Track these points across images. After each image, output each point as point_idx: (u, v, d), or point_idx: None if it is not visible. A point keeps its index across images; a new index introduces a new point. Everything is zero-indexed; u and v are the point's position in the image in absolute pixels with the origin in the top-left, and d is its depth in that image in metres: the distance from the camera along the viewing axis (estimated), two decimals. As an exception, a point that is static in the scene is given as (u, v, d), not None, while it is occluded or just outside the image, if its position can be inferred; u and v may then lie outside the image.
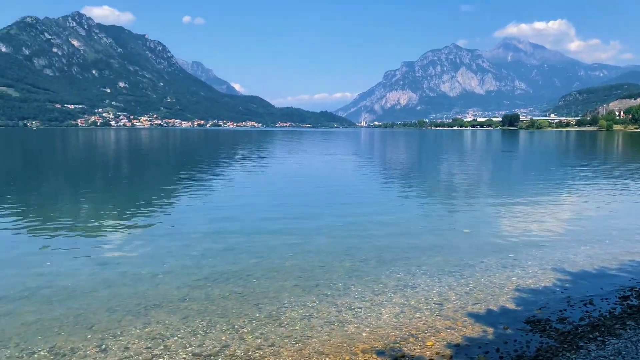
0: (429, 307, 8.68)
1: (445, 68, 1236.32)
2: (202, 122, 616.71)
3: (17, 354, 6.89)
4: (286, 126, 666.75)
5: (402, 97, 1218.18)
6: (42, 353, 6.91)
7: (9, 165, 43.10)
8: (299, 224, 15.86)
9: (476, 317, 8.20)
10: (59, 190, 25.55)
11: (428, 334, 7.57)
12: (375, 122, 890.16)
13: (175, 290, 9.47)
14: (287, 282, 9.93)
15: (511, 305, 8.73)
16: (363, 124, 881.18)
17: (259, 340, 7.39)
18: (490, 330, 7.65)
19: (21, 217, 16.81)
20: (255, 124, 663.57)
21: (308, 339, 7.45)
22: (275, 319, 8.18)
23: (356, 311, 8.47)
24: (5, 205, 19.42)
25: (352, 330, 7.73)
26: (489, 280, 10.10)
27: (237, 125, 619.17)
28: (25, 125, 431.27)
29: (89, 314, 8.30)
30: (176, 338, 7.42)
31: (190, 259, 11.58)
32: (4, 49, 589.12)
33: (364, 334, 7.57)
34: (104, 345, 7.16)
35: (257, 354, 6.96)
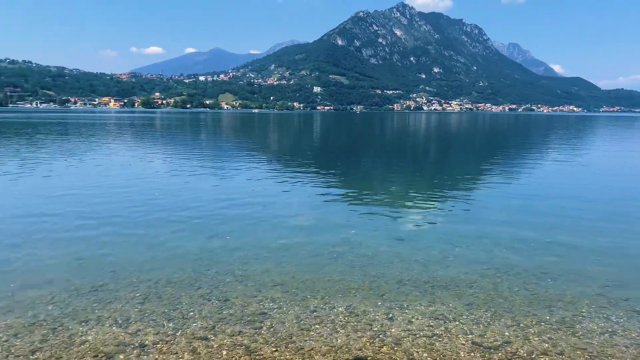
0: None
1: None
2: (513, 106, 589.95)
3: (322, 305, 7.97)
4: (613, 111, 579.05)
5: None
6: (340, 309, 7.82)
7: (338, 141, 50.29)
8: (613, 223, 13.62)
9: None
10: (372, 166, 28.46)
11: None
12: None
13: (463, 275, 9.40)
14: (588, 289, 8.68)
15: None
16: None
17: (546, 345, 6.69)
18: None
19: (337, 187, 19.44)
20: (575, 109, 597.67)
21: (607, 357, 6.39)
22: (569, 326, 7.27)
23: (683, 342, 6.81)
24: (330, 177, 22.75)
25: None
26: None
27: (552, 110, 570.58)
28: (352, 109, 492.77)
29: (382, 283, 8.99)
30: (458, 323, 7.37)
31: (482, 247, 11.29)
32: (340, 42, 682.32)
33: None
34: (390, 314, 7.65)
35: (542, 359, 6.35)
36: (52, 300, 7.95)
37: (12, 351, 6.39)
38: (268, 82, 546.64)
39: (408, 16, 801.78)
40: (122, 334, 6.91)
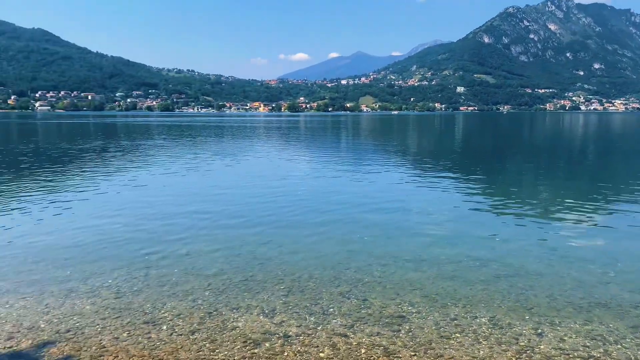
0: None
1: None
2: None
3: (463, 314, 7.68)
4: None
5: None
6: (483, 320, 7.45)
7: (481, 143, 48.06)
8: None
9: None
10: (520, 170, 26.67)
11: None
12: None
13: (626, 294, 8.37)
14: None
15: None
16: None
17: None
18: None
19: (481, 192, 18.56)
20: None
21: None
22: None
23: None
24: (474, 182, 21.84)
25: None
26: None
27: None
28: (498, 109, 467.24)
29: (530, 295, 8.37)
30: (620, 346, 6.58)
31: (652, 264, 9.96)
32: (486, 40, 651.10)
33: None
34: (540, 330, 7.09)
35: None
36: (209, 287, 8.75)
37: (176, 330, 7.15)
38: (409, 83, 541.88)
39: (564, 9, 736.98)
40: (268, 323, 7.35)
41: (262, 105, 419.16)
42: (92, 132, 67.65)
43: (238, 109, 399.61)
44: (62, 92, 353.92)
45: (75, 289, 8.60)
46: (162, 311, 7.73)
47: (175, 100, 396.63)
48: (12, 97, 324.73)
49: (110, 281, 8.98)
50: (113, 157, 31.92)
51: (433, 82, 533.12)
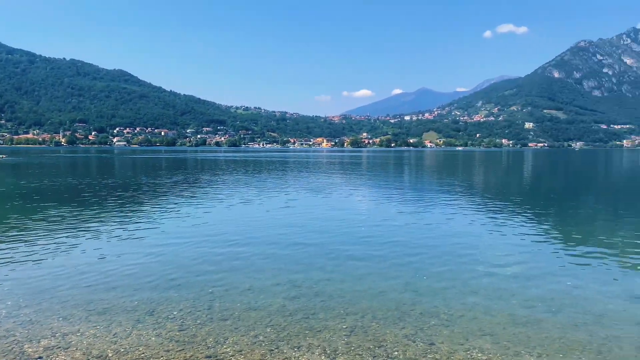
0: None
1: None
2: None
3: (538, 364, 7.13)
4: None
5: None
6: (561, 372, 6.89)
7: (552, 181, 45.90)
8: None
9: None
10: (595, 210, 25.05)
11: None
12: None
13: None
14: None
15: None
16: None
17: None
18: None
19: (552, 232, 17.56)
20: None
21: None
22: None
23: None
24: (544, 221, 20.77)
25: None
26: None
27: None
28: (570, 146, 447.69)
29: (614, 347, 7.65)
30: None
31: None
32: (557, 75, 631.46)
33: None
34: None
35: None
36: (270, 322, 8.67)
37: (237, 365, 7.09)
38: (474, 119, 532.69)
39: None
40: (330, 364, 7.13)
41: (325, 140, 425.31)
42: (164, 166, 70.96)
43: (302, 144, 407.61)
44: (138, 129, 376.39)
45: (142, 320, 8.79)
46: (224, 346, 7.71)
47: (242, 136, 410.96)
48: (93, 133, 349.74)
49: (175, 313, 9.12)
50: (182, 189, 33.14)
51: (500, 118, 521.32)
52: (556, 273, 12.01)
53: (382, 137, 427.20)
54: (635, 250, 14.75)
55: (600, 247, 15.16)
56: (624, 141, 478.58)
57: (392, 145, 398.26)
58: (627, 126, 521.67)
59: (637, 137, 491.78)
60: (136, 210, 22.92)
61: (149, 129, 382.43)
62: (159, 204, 25.10)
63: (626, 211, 24.86)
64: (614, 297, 10.14)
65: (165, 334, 8.18)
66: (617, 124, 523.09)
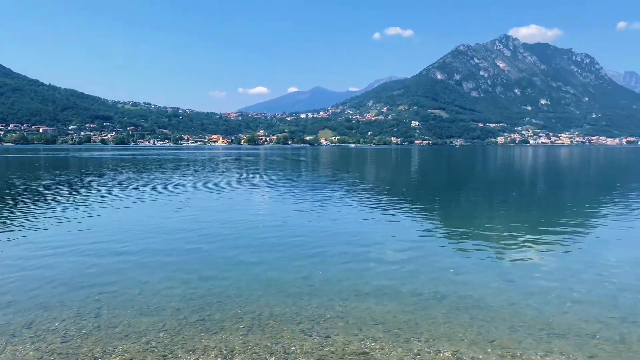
0: None
1: None
2: (632, 139, 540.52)
3: (426, 348, 7.60)
4: None
5: None
6: (446, 354, 7.39)
7: (436, 175, 49.14)
8: None
9: None
10: (474, 202, 27.26)
11: None
12: None
13: (583, 323, 8.53)
14: None
15: None
16: None
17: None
18: None
19: (437, 224, 18.82)
20: None
21: None
22: None
23: None
24: (429, 213, 22.16)
25: None
26: None
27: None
28: (452, 142, 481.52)
29: (491, 327, 8.40)
30: (581, 378, 6.65)
31: (605, 292, 10.22)
32: (439, 76, 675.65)
33: None
34: (502, 363, 7.10)
35: None
36: (163, 327, 8.35)
37: (128, 375, 6.73)
38: (366, 117, 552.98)
39: (511, 48, 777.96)
40: (227, 365, 7.03)
41: (220, 138, 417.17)
42: (43, 166, 65.25)
43: (196, 141, 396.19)
44: (12, 125, 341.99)
45: (17, 334, 8.04)
46: (113, 355, 7.29)
47: (131, 133, 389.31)
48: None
49: (57, 324, 8.45)
50: (64, 191, 30.68)
51: (389, 117, 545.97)
52: (441, 263, 12.87)
53: (279, 135, 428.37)
54: (508, 239, 16.27)
55: (478, 238, 16.47)
56: (498, 138, 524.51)
57: (289, 142, 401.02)
58: (501, 124, 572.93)
59: (509, 135, 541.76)
60: (10, 217, 20.85)
61: (25, 125, 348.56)
62: (38, 209, 23.03)
63: (501, 204, 27.27)
64: (490, 281, 11.09)
65: (46, 347, 7.55)
66: (492, 123, 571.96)
